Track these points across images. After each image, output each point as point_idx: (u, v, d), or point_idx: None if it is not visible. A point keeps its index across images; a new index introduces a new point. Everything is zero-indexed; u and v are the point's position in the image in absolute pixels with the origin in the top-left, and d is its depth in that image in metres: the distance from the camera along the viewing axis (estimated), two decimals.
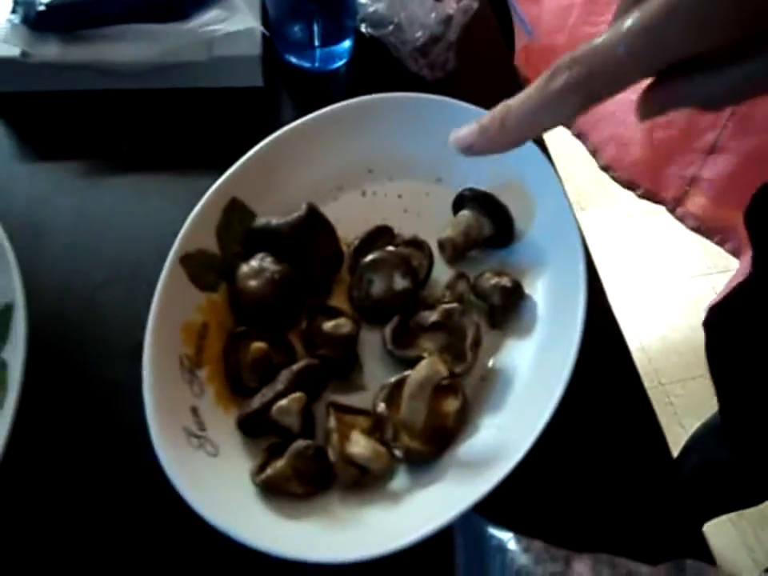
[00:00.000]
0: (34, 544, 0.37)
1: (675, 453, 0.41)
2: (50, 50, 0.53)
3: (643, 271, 1.55)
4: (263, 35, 0.55)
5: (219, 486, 0.35)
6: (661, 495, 0.39)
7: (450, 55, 0.57)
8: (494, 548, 0.33)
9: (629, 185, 0.70)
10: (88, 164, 0.53)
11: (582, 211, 1.60)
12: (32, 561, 0.37)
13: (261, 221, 0.44)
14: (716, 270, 1.52)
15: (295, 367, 0.39)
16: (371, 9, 0.56)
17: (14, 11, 0.53)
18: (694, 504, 0.39)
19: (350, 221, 0.46)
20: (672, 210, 0.68)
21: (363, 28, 0.57)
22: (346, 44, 0.58)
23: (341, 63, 0.59)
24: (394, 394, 0.38)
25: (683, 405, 1.34)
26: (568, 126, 0.74)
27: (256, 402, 0.38)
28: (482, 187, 0.45)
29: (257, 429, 0.38)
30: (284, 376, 0.39)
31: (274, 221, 0.43)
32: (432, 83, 0.57)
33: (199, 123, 0.55)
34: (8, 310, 0.39)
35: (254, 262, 0.42)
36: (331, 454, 0.36)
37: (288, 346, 0.41)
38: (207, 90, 0.56)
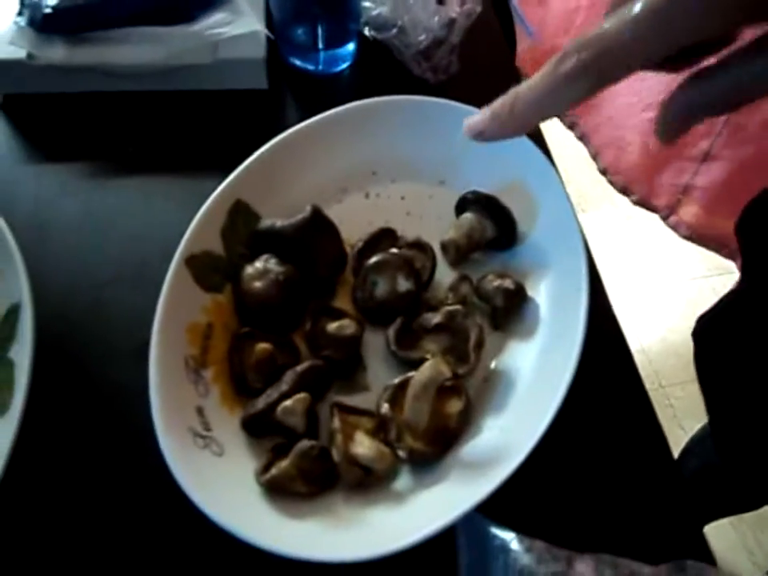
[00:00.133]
0: (41, 543, 0.38)
1: (675, 454, 0.41)
2: (56, 53, 0.53)
3: (644, 273, 1.55)
4: (267, 38, 0.56)
5: (224, 485, 0.36)
6: (661, 496, 0.39)
7: (452, 58, 0.57)
8: (496, 548, 0.34)
9: (623, 190, 0.71)
10: (93, 165, 0.53)
11: (582, 213, 1.60)
12: (39, 559, 0.37)
13: (265, 222, 0.44)
14: (716, 272, 1.52)
15: (299, 368, 0.39)
16: (374, 12, 0.57)
17: (20, 13, 0.53)
18: (694, 505, 0.40)
19: (353, 223, 0.46)
20: (665, 218, 0.68)
21: (367, 31, 0.58)
22: (350, 47, 0.58)
23: (344, 66, 0.59)
24: (397, 394, 0.38)
25: (683, 407, 1.34)
26: (572, 129, 0.74)
27: (261, 402, 0.38)
28: (485, 190, 0.45)
29: (261, 429, 0.39)
30: (288, 377, 0.39)
31: (279, 222, 0.43)
32: (435, 86, 0.57)
33: (204, 125, 0.55)
34: (15, 310, 0.39)
35: (259, 264, 0.42)
36: (335, 455, 0.36)
37: (292, 347, 0.42)
38: (212, 93, 0.56)
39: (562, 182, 0.44)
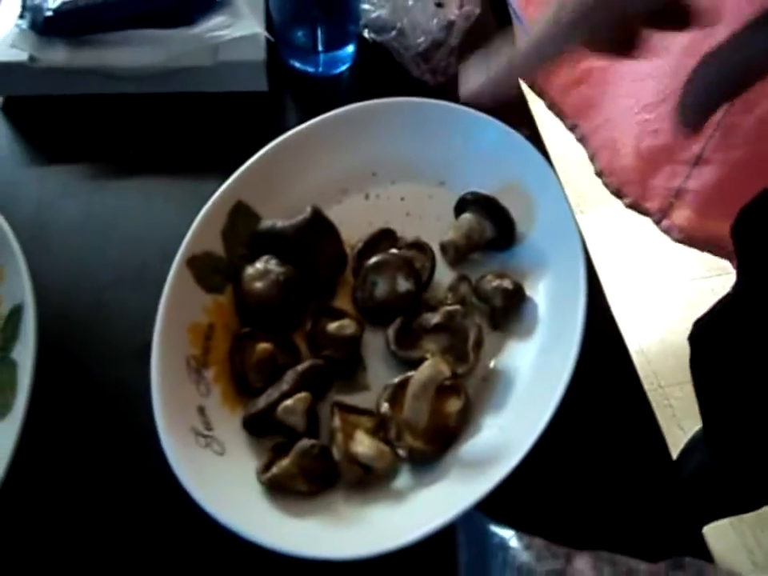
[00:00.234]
0: (44, 542, 0.38)
1: (674, 455, 0.41)
2: (58, 55, 0.53)
3: (642, 274, 1.55)
4: (267, 41, 0.56)
5: (226, 484, 0.36)
6: (660, 496, 0.40)
7: (451, 60, 0.58)
8: (495, 545, 0.34)
9: (617, 193, 0.71)
10: (95, 167, 0.53)
11: (580, 214, 1.60)
12: (41, 558, 0.37)
13: (266, 223, 0.44)
14: (715, 272, 1.52)
15: (300, 368, 0.39)
16: (374, 14, 0.57)
17: (21, 16, 0.54)
18: (693, 505, 0.40)
19: (353, 223, 0.46)
20: (657, 223, 0.68)
21: (366, 33, 0.58)
22: (349, 49, 0.59)
23: (344, 68, 0.59)
24: (397, 394, 0.39)
25: (682, 407, 1.34)
26: (573, 131, 0.74)
27: (262, 401, 0.39)
28: (484, 191, 0.45)
29: (262, 428, 0.39)
30: (289, 376, 0.39)
31: (279, 223, 0.44)
32: (434, 88, 0.57)
33: (204, 127, 0.56)
34: (17, 311, 0.39)
35: (260, 264, 0.43)
36: (336, 453, 0.37)
37: (293, 347, 0.42)
38: (212, 95, 0.57)
39: (560, 183, 0.44)
